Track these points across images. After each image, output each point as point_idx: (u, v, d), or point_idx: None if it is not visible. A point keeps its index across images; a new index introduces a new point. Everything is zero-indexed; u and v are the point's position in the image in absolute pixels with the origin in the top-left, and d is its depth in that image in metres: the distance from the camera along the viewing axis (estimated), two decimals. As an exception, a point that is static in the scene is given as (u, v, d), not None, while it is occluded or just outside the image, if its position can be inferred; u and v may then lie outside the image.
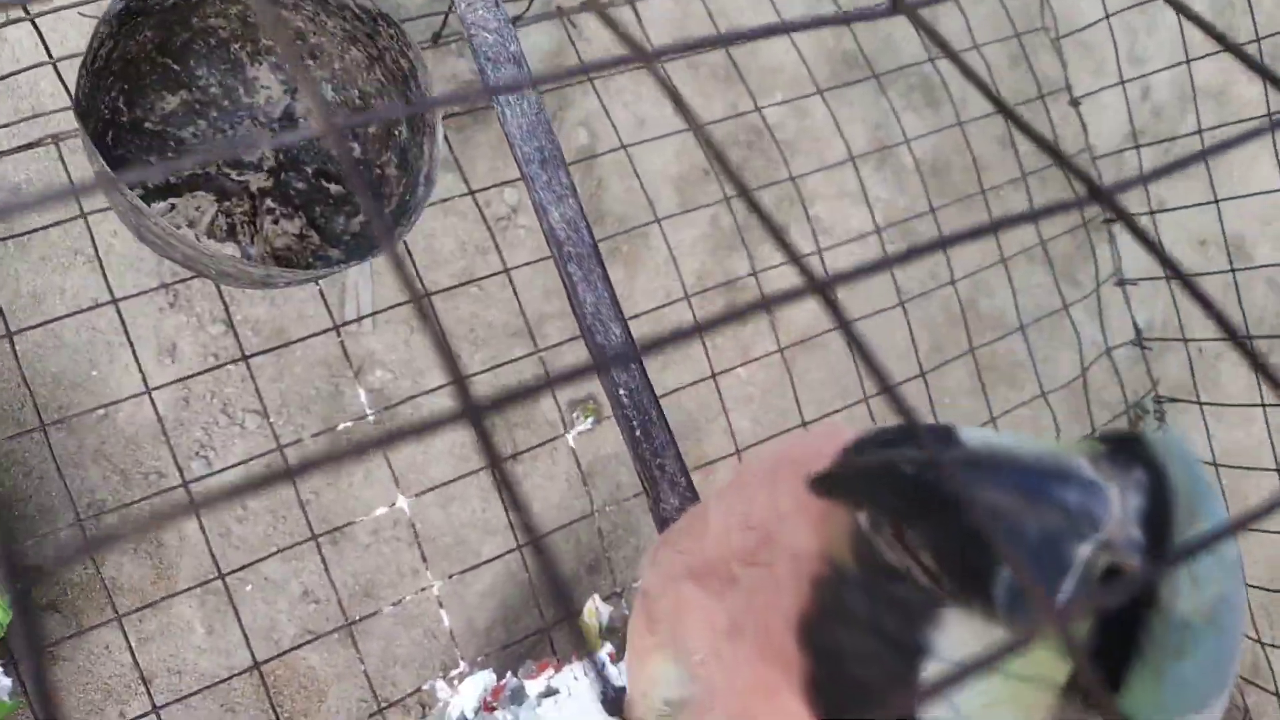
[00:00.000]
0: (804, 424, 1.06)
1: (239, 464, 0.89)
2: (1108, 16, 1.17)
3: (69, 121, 0.85)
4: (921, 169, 1.22)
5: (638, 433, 0.54)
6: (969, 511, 0.29)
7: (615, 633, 0.92)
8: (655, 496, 0.54)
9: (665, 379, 1.03)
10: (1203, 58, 1.12)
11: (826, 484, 0.32)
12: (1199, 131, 1.18)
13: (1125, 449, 0.30)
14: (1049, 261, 1.26)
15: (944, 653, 0.30)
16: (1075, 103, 1.24)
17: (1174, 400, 1.27)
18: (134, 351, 0.87)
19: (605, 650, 0.89)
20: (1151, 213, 1.22)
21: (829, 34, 1.19)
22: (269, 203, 0.76)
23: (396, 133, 0.75)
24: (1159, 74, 1.25)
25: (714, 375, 1.01)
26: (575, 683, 0.86)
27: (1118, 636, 0.29)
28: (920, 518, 0.29)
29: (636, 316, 1.03)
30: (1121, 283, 1.27)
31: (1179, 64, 1.12)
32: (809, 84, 1.14)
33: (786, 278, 1.13)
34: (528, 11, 0.96)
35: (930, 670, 0.30)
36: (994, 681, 0.29)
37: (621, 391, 0.53)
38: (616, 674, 0.88)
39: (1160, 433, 0.32)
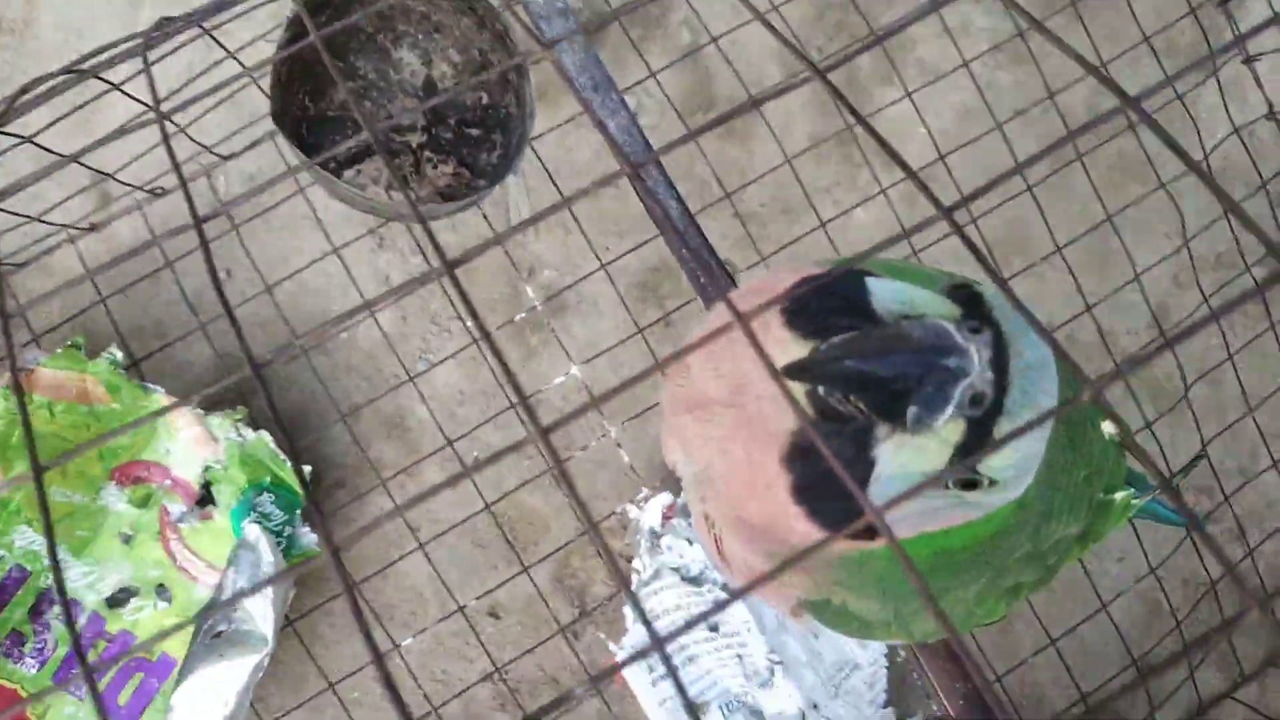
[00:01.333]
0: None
1: (450, 357, 1.13)
2: None
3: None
4: (1020, -9, 1.26)
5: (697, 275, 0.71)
6: (891, 379, 0.44)
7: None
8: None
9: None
10: None
11: (793, 372, 0.46)
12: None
13: (973, 307, 0.46)
14: (1168, 55, 1.28)
15: (883, 463, 0.46)
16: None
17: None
18: (357, 287, 1.13)
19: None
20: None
21: (905, -119, 1.25)
22: (427, 153, 0.97)
23: (511, 79, 0.94)
24: None
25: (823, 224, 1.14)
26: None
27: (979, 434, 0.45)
28: (860, 389, 0.45)
29: (750, 183, 1.17)
30: (1247, 60, 1.26)
31: None
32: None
33: (896, 122, 1.23)
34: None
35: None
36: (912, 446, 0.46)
37: (684, 252, 0.70)
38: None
39: (990, 287, 0.46)
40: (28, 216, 0.95)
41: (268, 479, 1.01)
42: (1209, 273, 1.32)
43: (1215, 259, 1.34)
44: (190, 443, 1.01)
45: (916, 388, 0.44)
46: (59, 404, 0.97)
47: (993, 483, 0.46)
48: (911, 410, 0.44)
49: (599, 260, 1.10)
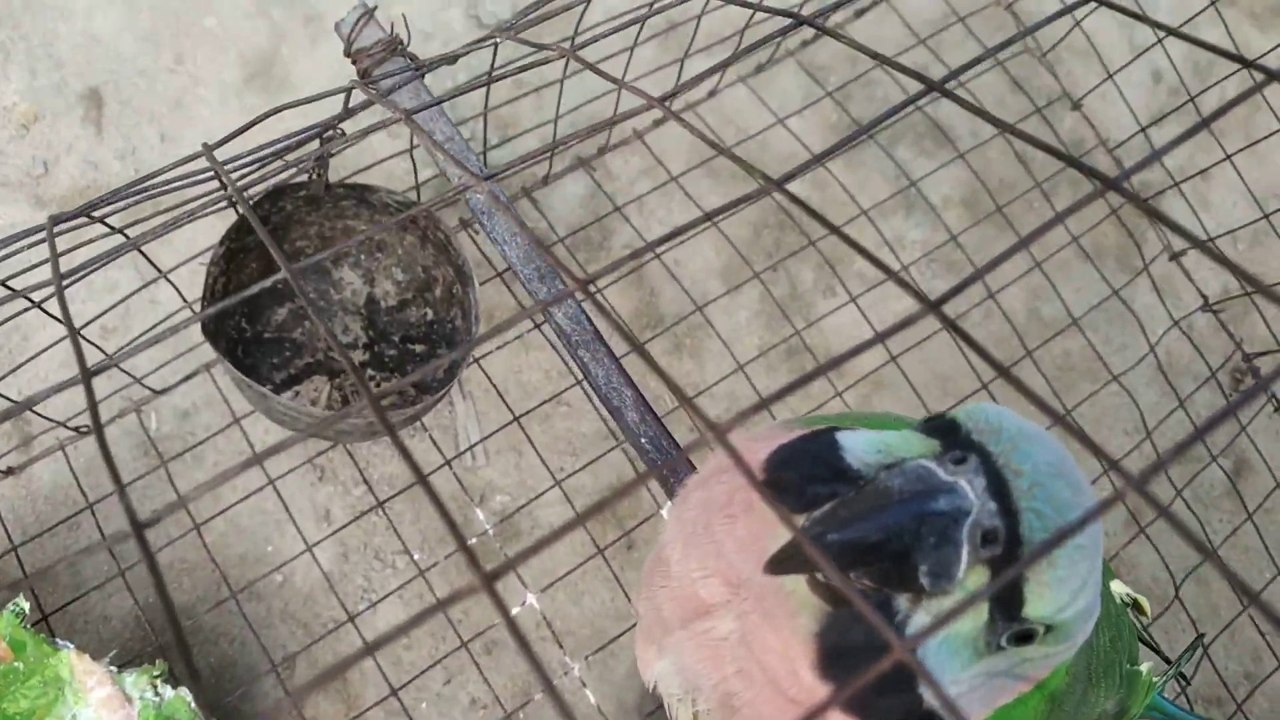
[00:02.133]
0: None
1: (393, 593, 1.04)
2: (1073, 19, 1.25)
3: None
4: (951, 204, 1.32)
5: (665, 473, 0.66)
6: (884, 543, 0.39)
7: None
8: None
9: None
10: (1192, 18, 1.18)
11: (781, 565, 0.42)
12: (1187, 99, 1.24)
13: (951, 439, 0.41)
14: (1097, 256, 1.32)
15: (915, 625, 0.41)
16: (1077, 105, 1.32)
17: (1263, 354, 1.28)
18: (295, 523, 1.05)
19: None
20: (1176, 184, 1.26)
21: (829, 111, 1.32)
22: (369, 371, 0.93)
23: (455, 291, 0.92)
24: (1164, 55, 1.32)
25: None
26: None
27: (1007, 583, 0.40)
28: (856, 564, 0.40)
29: (702, 393, 1.15)
30: (1174, 257, 1.30)
31: (1166, 37, 1.19)
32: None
33: (839, 328, 1.23)
34: (551, 172, 1.13)
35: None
36: (951, 633, 0.40)
37: (643, 440, 0.65)
38: None
39: (963, 410, 0.43)
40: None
41: (186, 743, 0.89)
42: (1176, 466, 1.30)
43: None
44: (101, 706, 0.89)
45: (917, 544, 0.39)
46: (-50, 666, 0.86)
47: (1050, 630, 0.40)
48: (922, 570, 0.39)
49: (553, 477, 1.04)
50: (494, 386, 1.07)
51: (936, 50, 1.36)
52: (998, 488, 0.39)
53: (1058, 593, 0.40)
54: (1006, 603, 0.40)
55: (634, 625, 1.06)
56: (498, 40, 0.69)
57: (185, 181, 0.59)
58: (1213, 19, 1.42)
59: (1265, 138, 1.17)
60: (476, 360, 1.08)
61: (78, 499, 1.01)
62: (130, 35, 1.20)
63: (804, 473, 0.43)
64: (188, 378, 1.04)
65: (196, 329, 1.05)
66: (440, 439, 1.10)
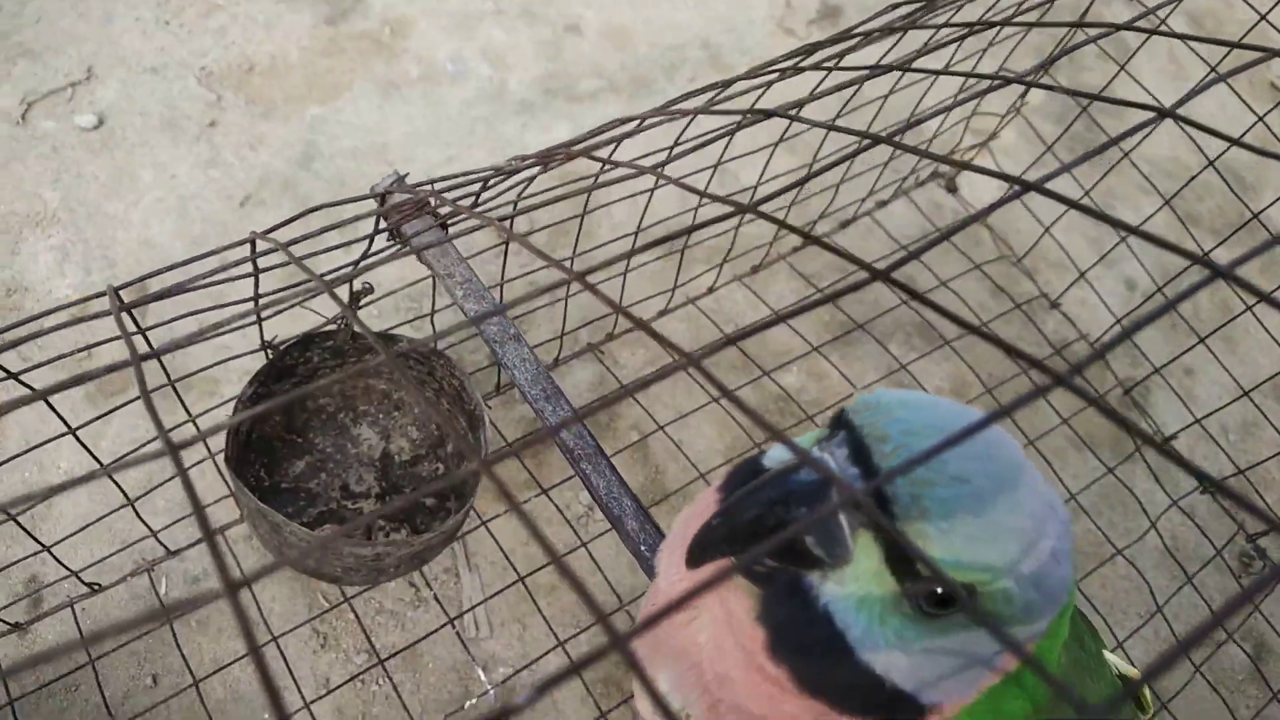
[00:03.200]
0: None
1: (391, 766, 1.01)
2: (1046, 230, 1.37)
3: (229, 515, 1.09)
4: (943, 394, 1.38)
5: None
6: (757, 520, 0.43)
7: None
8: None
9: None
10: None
11: (692, 557, 0.45)
12: (1157, 290, 1.32)
13: (836, 424, 0.45)
14: (1092, 445, 1.36)
15: (837, 606, 0.43)
16: (1055, 305, 1.41)
17: (1265, 533, 1.28)
18: (299, 688, 1.04)
19: None
20: (1156, 370, 1.32)
21: (823, 310, 1.42)
22: (379, 521, 0.96)
23: (468, 439, 0.97)
24: (1137, 264, 1.42)
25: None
26: None
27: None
28: (743, 544, 0.43)
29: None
30: (1164, 442, 1.34)
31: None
32: (816, 355, 1.34)
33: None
34: (560, 355, 1.21)
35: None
36: (866, 599, 0.42)
37: (643, 548, 0.68)
38: None
39: (858, 398, 0.46)
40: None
41: None
42: (1195, 650, 1.27)
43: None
44: None
45: (794, 518, 0.42)
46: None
47: (974, 593, 0.41)
48: (810, 542, 0.42)
49: (555, 638, 1.04)
50: (500, 548, 1.09)
51: (923, 260, 1.47)
52: (862, 454, 0.42)
53: (943, 543, 0.39)
54: (901, 562, 0.41)
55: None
56: (511, 219, 0.79)
57: (223, 330, 0.66)
58: (1179, 237, 1.54)
59: (1234, 318, 1.24)
60: (484, 523, 1.10)
61: (80, 659, 1.01)
62: (181, 242, 1.32)
63: (734, 483, 0.47)
64: (198, 541, 1.07)
65: (213, 480, 1.09)
66: (449, 612, 1.10)
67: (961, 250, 1.49)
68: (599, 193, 1.37)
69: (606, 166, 0.61)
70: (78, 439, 0.79)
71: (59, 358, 0.71)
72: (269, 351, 0.88)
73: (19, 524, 0.87)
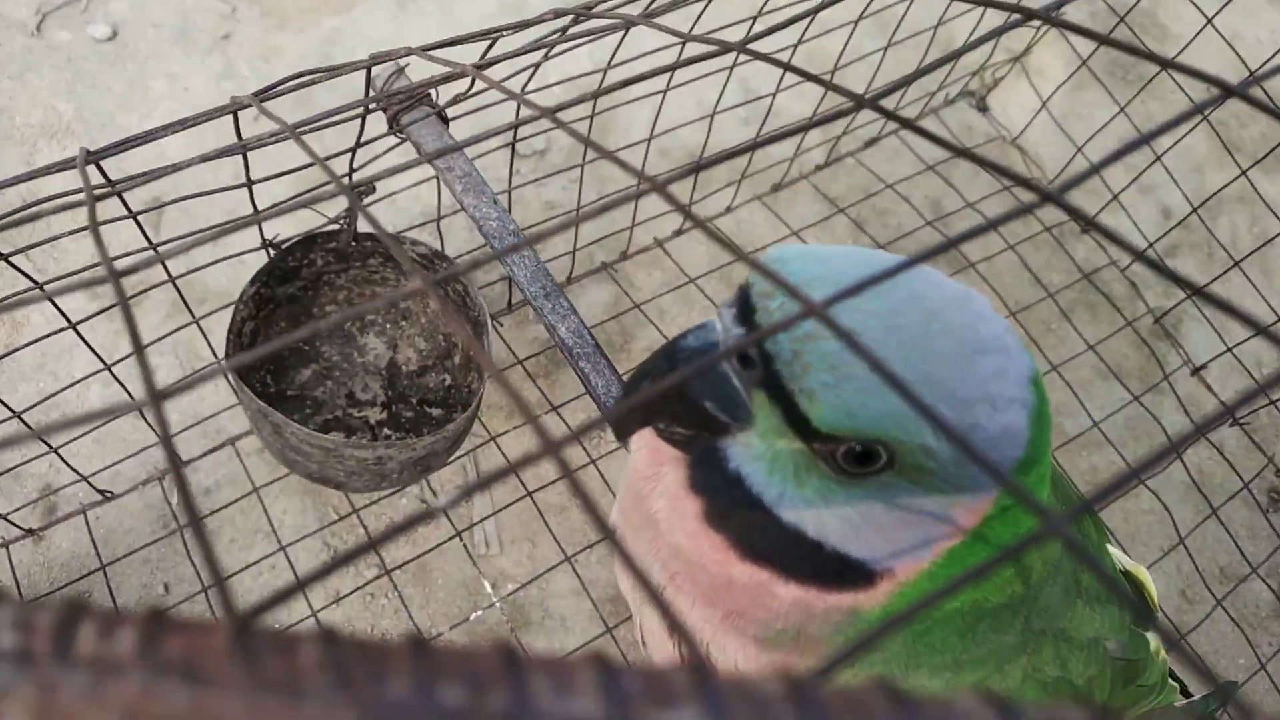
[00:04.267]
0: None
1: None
2: (1079, 150, 1.32)
3: (240, 427, 1.09)
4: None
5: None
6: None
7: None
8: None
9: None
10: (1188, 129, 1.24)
11: (618, 429, 0.46)
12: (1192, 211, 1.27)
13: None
14: (1120, 376, 1.32)
15: (749, 468, 0.42)
16: (1086, 229, 1.36)
17: (1297, 467, 1.25)
18: (307, 598, 1.05)
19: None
20: (1190, 295, 1.28)
21: (843, 232, 1.38)
22: (385, 430, 0.95)
23: (471, 354, 0.95)
24: (1171, 191, 1.37)
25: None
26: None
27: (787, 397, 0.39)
28: (647, 412, 0.43)
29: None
30: (1195, 371, 1.30)
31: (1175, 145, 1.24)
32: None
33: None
34: (572, 273, 1.19)
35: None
36: (777, 459, 0.41)
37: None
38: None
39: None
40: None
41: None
42: (1218, 584, 1.25)
43: (1219, 571, 1.27)
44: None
45: (690, 385, 0.41)
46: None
47: (890, 450, 0.38)
48: (711, 406, 0.41)
49: (563, 553, 1.03)
50: (509, 464, 1.08)
51: (949, 180, 1.43)
52: (748, 314, 0.40)
53: (830, 400, 0.37)
54: (796, 418, 0.39)
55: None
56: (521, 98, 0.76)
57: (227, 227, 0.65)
58: (1220, 163, 1.49)
59: (1268, 241, 1.19)
60: (493, 438, 1.10)
61: (93, 565, 1.02)
62: (194, 154, 1.30)
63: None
64: (212, 450, 1.07)
65: (224, 393, 1.09)
66: (456, 524, 1.10)
67: (991, 172, 1.44)
68: (622, 95, 1.33)
69: (678, 45, 0.58)
70: (77, 333, 0.78)
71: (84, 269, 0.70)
72: (270, 250, 0.87)
73: (23, 421, 0.87)
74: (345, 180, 0.83)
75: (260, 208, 0.83)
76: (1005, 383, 0.38)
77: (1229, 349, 1.27)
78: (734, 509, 0.42)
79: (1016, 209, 0.27)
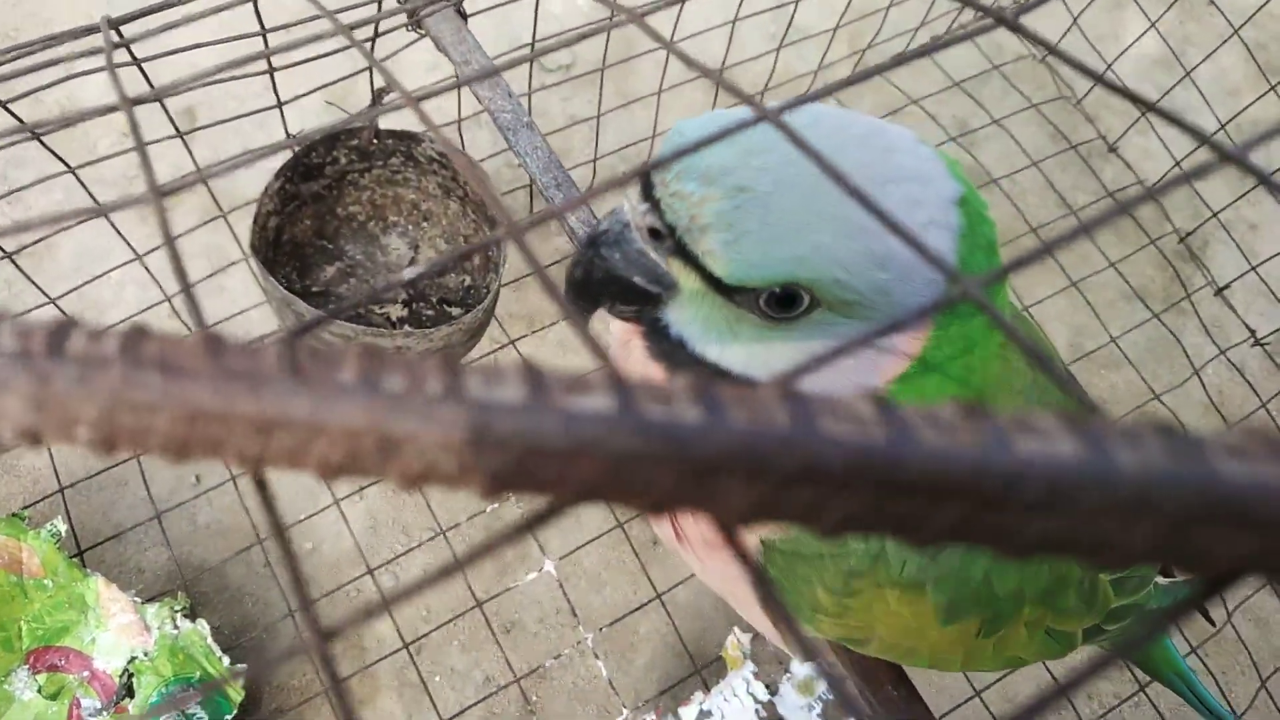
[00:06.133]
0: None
1: (418, 565, 1.05)
2: (1109, 66, 1.30)
3: (268, 326, 1.12)
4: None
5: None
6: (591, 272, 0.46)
7: (756, 657, 0.98)
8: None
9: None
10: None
11: (575, 317, 0.49)
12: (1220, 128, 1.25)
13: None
14: (1143, 296, 1.32)
15: (688, 329, 0.45)
16: (1113, 149, 1.35)
17: (1317, 390, 1.24)
18: (334, 495, 1.09)
19: (749, 669, 0.96)
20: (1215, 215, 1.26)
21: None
22: (405, 327, 0.98)
23: (491, 254, 0.97)
24: (1205, 115, 1.35)
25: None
26: (725, 704, 0.93)
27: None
28: (582, 289, 0.46)
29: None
30: (1218, 292, 1.30)
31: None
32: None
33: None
34: (594, 183, 1.20)
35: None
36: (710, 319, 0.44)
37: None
38: (763, 689, 0.94)
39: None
40: None
41: (197, 674, 0.90)
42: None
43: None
44: (120, 632, 0.91)
45: (613, 263, 0.44)
46: (-13, 573, 0.90)
47: (808, 290, 0.40)
48: (638, 281, 0.44)
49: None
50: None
51: (978, 99, 1.41)
52: (649, 190, 0.42)
53: (731, 255, 0.39)
54: (711, 278, 0.41)
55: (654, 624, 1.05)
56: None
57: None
58: (1256, 88, 1.46)
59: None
60: (512, 342, 1.12)
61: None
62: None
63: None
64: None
65: (247, 280, 1.12)
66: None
67: (1019, 89, 1.43)
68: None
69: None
70: (109, 220, 0.81)
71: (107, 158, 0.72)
72: (293, 146, 0.89)
73: (16, 265, 0.91)
74: (365, 45, 0.84)
75: (285, 110, 0.85)
76: (920, 209, 0.39)
77: (1252, 268, 1.26)
78: (687, 370, 0.44)
79: (972, 28, 0.28)
